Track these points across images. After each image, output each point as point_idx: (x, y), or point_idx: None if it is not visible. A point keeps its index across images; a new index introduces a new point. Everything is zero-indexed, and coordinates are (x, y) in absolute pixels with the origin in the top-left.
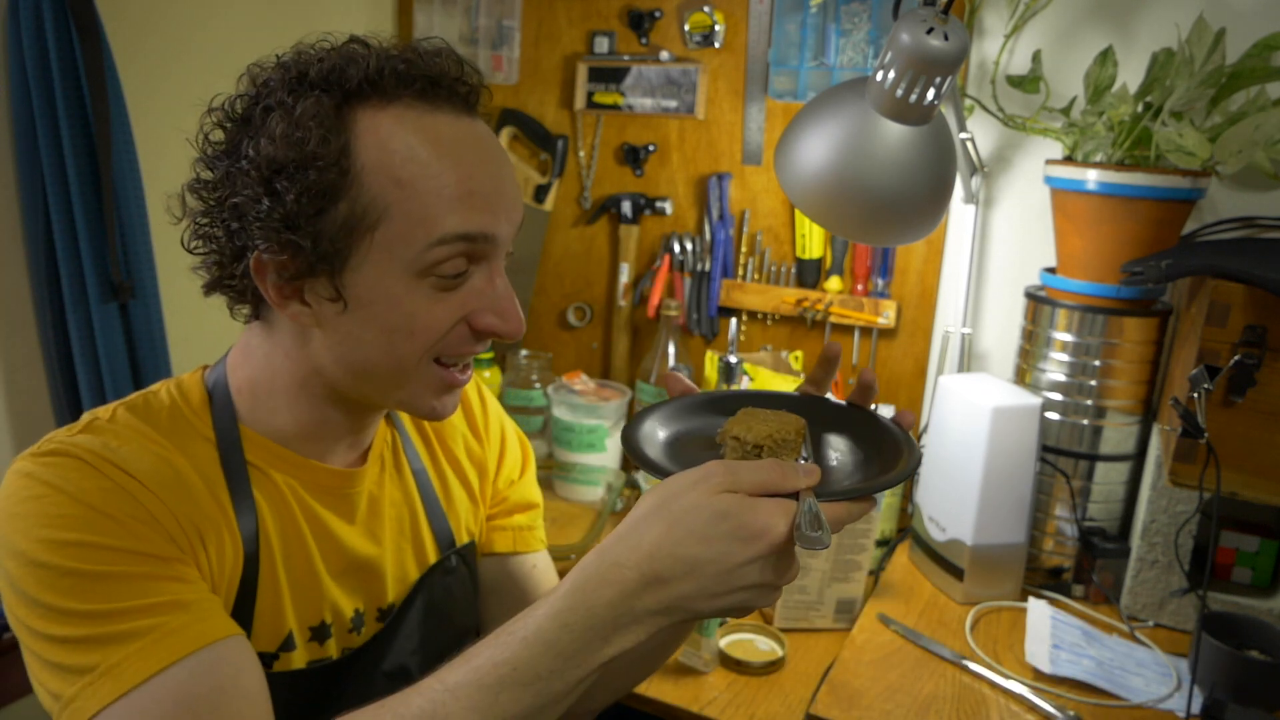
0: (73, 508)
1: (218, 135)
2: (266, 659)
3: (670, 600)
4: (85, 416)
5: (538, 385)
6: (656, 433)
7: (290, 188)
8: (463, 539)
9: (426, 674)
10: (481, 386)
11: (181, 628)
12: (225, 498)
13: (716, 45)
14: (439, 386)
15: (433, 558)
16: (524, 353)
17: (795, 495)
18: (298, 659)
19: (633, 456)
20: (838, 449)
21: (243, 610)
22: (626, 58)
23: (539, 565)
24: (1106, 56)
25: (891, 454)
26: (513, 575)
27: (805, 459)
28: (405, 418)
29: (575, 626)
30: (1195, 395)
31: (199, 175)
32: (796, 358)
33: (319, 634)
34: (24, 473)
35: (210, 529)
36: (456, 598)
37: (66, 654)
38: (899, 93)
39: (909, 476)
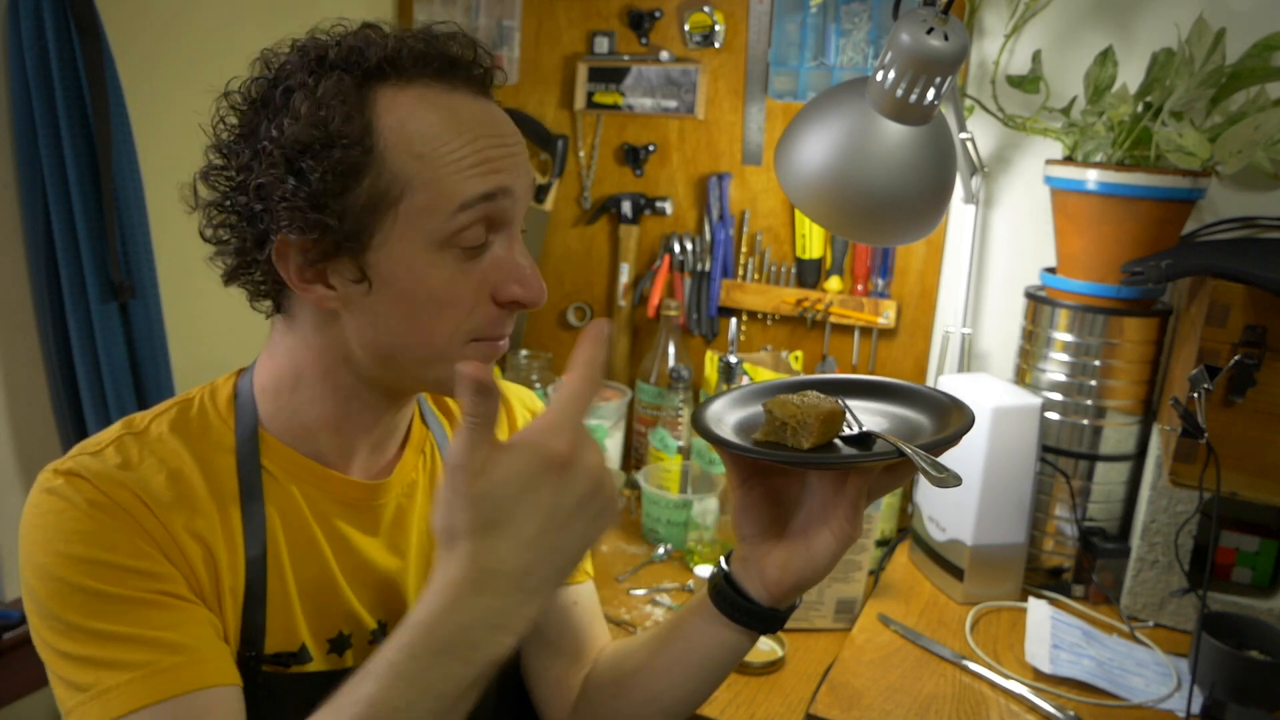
0: (87, 523)
1: (232, 120)
2: (285, 659)
3: (506, 569)
4: (120, 425)
5: (538, 385)
6: (726, 415)
7: (316, 166)
8: None
9: None
10: (538, 406)
11: (173, 668)
12: (235, 510)
13: (716, 45)
14: (480, 360)
15: None
16: (524, 353)
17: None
18: (314, 670)
19: (702, 433)
20: (891, 416)
21: (252, 620)
22: (626, 58)
23: (580, 601)
24: (1106, 56)
25: (943, 415)
26: (550, 608)
27: (852, 430)
28: (446, 426)
29: (418, 649)
30: (1195, 395)
31: (212, 162)
32: (796, 358)
33: (338, 645)
34: (45, 488)
35: (214, 544)
36: None
37: (69, 669)
38: (899, 93)
39: (970, 427)
